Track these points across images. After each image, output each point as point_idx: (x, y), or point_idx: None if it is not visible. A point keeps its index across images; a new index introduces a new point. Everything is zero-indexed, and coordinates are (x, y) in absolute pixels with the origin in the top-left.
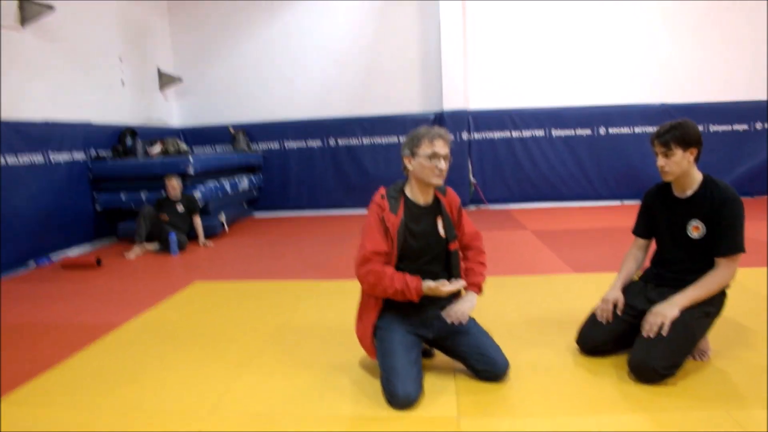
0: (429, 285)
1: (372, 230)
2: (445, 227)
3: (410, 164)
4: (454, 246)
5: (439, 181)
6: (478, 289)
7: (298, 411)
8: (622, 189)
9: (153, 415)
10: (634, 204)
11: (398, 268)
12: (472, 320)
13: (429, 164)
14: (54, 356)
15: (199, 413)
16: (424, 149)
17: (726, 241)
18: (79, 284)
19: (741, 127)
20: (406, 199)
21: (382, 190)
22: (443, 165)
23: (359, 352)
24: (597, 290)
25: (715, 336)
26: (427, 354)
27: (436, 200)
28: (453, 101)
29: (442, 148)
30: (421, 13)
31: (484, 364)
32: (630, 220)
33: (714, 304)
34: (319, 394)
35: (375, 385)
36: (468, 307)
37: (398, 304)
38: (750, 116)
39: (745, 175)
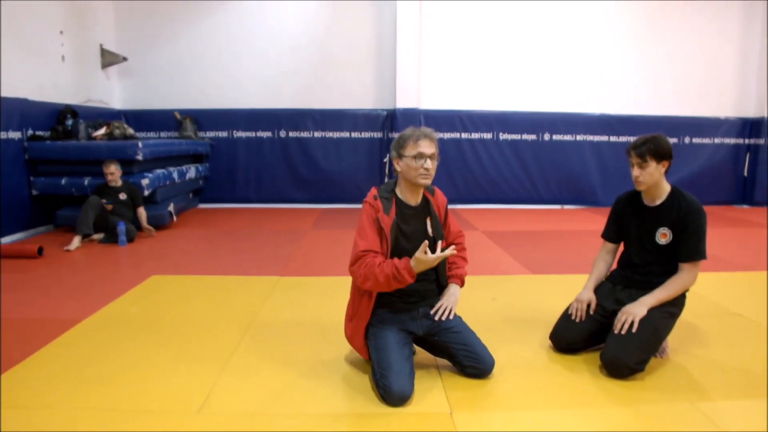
0: (417, 257)
1: (365, 230)
2: (433, 227)
3: (398, 165)
4: (441, 245)
5: (425, 182)
6: (460, 281)
7: (289, 409)
8: (563, 194)
9: (136, 415)
10: (574, 208)
11: None
12: (458, 318)
13: (415, 165)
14: (14, 354)
15: (186, 412)
16: (410, 150)
17: (690, 248)
18: (22, 275)
19: (671, 140)
20: (397, 199)
21: (374, 191)
22: (429, 165)
23: (340, 349)
24: (557, 291)
25: (671, 335)
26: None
27: (425, 200)
28: (406, 99)
29: (427, 147)
30: (377, 9)
31: (472, 361)
32: (571, 224)
33: (677, 305)
34: (309, 391)
35: (364, 382)
36: (453, 301)
37: (388, 302)
38: (679, 130)
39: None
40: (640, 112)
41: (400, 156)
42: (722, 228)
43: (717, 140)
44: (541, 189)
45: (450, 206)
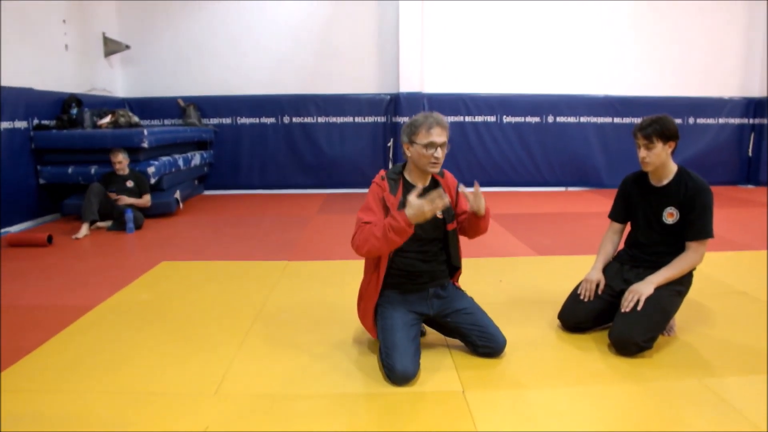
0: (408, 198)
1: (371, 207)
2: (443, 209)
3: (408, 151)
4: (452, 226)
5: (435, 170)
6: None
7: (304, 390)
8: (567, 176)
9: (153, 397)
10: (578, 190)
11: (398, 249)
12: (470, 299)
13: (426, 153)
14: (30, 340)
15: (203, 395)
16: (422, 138)
17: (697, 226)
18: (33, 263)
19: (676, 121)
20: (405, 181)
21: (383, 172)
22: (440, 154)
23: (350, 331)
24: (563, 272)
25: (678, 313)
26: (420, 333)
27: (434, 183)
28: (409, 83)
29: (439, 136)
30: None
31: (485, 341)
32: (576, 206)
33: (684, 283)
34: (322, 372)
35: (374, 362)
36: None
37: (398, 283)
38: (683, 111)
39: None
40: (644, 93)
41: (411, 142)
42: (727, 208)
43: (721, 120)
44: (545, 171)
45: None
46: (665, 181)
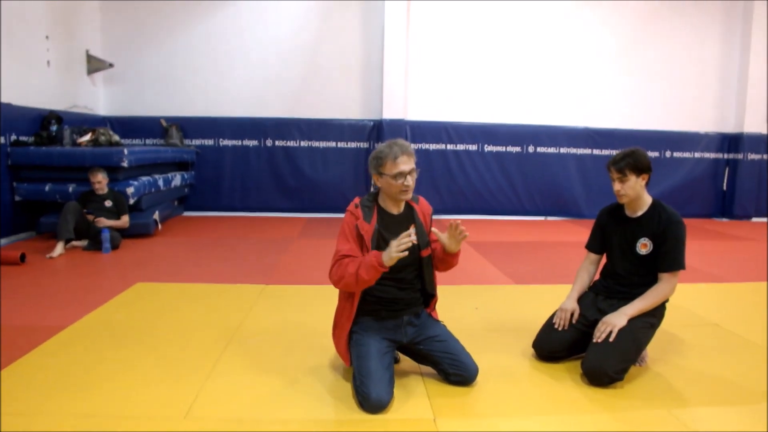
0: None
1: (345, 236)
2: (418, 235)
3: (378, 182)
4: (426, 252)
5: (406, 197)
6: None
7: (275, 415)
8: (546, 205)
9: (122, 420)
10: (557, 220)
11: None
12: (443, 326)
13: (396, 183)
14: None
15: (173, 418)
16: (389, 169)
17: (669, 258)
18: (4, 282)
19: (653, 154)
20: (379, 208)
21: (357, 200)
22: (410, 181)
23: (325, 357)
24: (539, 301)
25: (650, 344)
26: (394, 360)
27: (409, 208)
28: (392, 110)
29: (406, 164)
30: (365, 19)
31: (457, 369)
32: (554, 235)
33: (656, 315)
34: (294, 398)
35: (347, 389)
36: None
37: (373, 310)
38: (661, 144)
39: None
40: (623, 126)
41: (380, 174)
42: (701, 240)
43: (697, 155)
44: (525, 200)
45: (435, 216)
46: (639, 213)
